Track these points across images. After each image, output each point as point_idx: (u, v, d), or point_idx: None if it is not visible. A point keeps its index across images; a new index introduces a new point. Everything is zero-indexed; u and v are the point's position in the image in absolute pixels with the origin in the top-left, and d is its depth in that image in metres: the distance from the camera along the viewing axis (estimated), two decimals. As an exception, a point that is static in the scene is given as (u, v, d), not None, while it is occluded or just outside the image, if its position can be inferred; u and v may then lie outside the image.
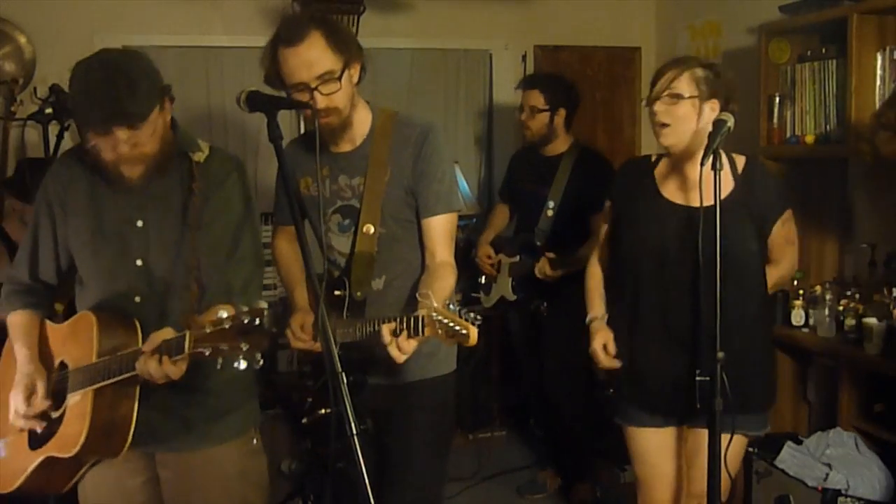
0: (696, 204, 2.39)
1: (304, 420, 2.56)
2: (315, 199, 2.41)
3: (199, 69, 4.57)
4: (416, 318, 1.94)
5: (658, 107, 2.48)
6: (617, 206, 2.73)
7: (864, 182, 3.76)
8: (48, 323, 2.28)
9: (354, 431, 1.72)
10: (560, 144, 3.98)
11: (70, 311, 2.29)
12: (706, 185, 2.32)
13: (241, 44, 4.40)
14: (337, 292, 2.38)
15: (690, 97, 2.46)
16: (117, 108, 1.94)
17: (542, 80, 4.07)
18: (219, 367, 1.83)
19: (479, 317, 1.88)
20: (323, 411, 2.48)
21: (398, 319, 1.99)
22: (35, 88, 4.10)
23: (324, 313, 1.80)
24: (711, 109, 2.46)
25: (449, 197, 2.42)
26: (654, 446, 2.68)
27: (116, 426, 2.07)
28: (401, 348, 1.98)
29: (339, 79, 2.25)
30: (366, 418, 2.32)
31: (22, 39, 4.24)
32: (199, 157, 2.19)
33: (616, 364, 2.67)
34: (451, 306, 1.90)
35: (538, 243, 3.92)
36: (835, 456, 3.19)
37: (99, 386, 2.03)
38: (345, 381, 1.76)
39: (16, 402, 2.14)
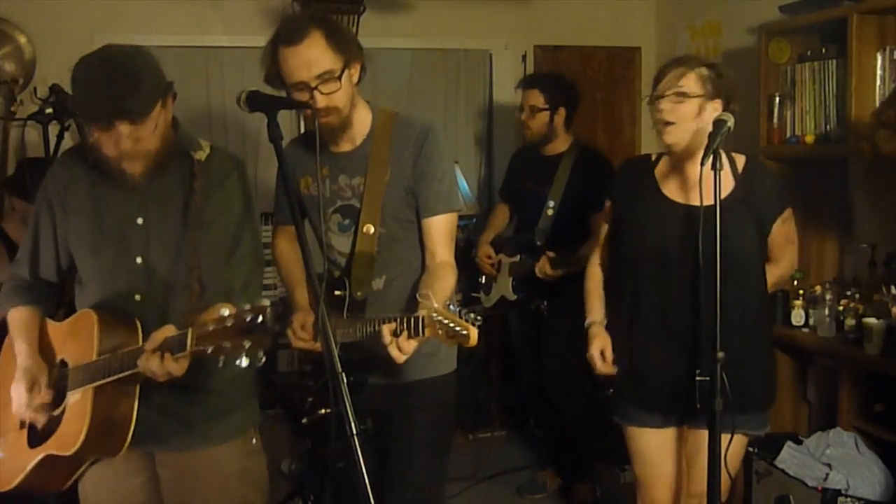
0: (697, 203, 2.39)
1: (304, 420, 2.56)
2: (315, 199, 2.41)
3: (199, 69, 4.56)
4: (417, 319, 1.94)
5: (664, 105, 2.48)
6: (617, 205, 2.73)
7: (864, 182, 3.76)
8: (49, 321, 2.28)
9: (354, 431, 1.72)
10: (560, 144, 3.98)
11: (69, 313, 2.29)
12: (706, 184, 2.32)
13: (241, 44, 4.40)
14: (337, 292, 2.38)
15: (697, 96, 2.46)
16: (120, 103, 1.95)
17: (542, 80, 4.07)
18: (221, 364, 1.83)
19: (479, 317, 1.88)
20: (323, 411, 2.48)
21: (398, 320, 1.98)
22: (35, 88, 4.10)
23: (324, 313, 1.80)
24: (714, 109, 2.47)
25: (449, 197, 2.42)
26: (654, 446, 2.67)
27: (116, 425, 2.07)
28: (401, 348, 1.98)
29: (339, 78, 2.25)
30: (366, 418, 2.32)
31: (22, 39, 4.23)
32: (201, 155, 2.19)
33: (613, 371, 2.67)
34: (452, 307, 1.90)
35: (538, 243, 3.91)
36: (835, 456, 3.19)
37: (99, 384, 2.03)
38: (345, 381, 1.76)
39: (18, 393, 2.14)
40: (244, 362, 1.80)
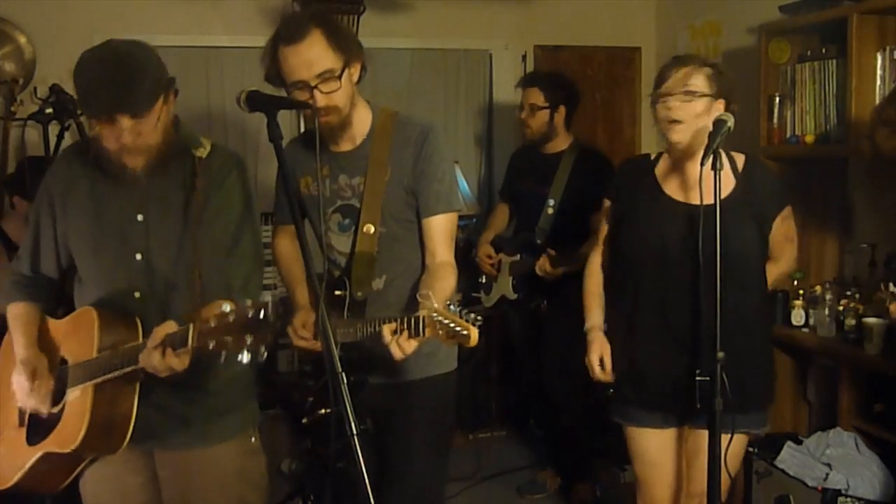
0: (697, 202, 2.39)
1: (304, 420, 2.56)
2: (315, 199, 2.41)
3: (199, 69, 4.56)
4: (417, 319, 1.94)
5: (673, 103, 2.48)
6: (617, 205, 2.72)
7: (864, 182, 3.75)
8: (49, 319, 2.28)
9: (354, 431, 1.72)
10: (560, 142, 3.98)
11: (69, 312, 2.29)
12: (706, 183, 2.32)
13: (241, 44, 4.40)
14: (337, 292, 2.38)
15: (705, 95, 2.46)
16: (122, 97, 1.96)
17: (542, 78, 4.07)
18: (222, 360, 1.82)
19: (479, 317, 1.88)
20: (323, 411, 2.48)
21: (399, 320, 1.98)
22: (35, 88, 4.10)
23: (324, 313, 1.80)
24: (718, 109, 2.47)
25: (449, 197, 2.42)
26: (654, 446, 2.67)
27: (116, 422, 2.07)
28: (401, 348, 1.98)
29: (340, 77, 2.25)
30: (366, 418, 2.32)
31: (22, 39, 4.23)
32: (202, 153, 2.19)
33: (610, 379, 2.67)
34: (452, 307, 1.90)
35: (539, 242, 3.91)
36: (835, 456, 3.19)
37: (99, 381, 2.03)
38: (345, 381, 1.76)
39: (20, 383, 2.14)
40: (245, 358, 1.80)
